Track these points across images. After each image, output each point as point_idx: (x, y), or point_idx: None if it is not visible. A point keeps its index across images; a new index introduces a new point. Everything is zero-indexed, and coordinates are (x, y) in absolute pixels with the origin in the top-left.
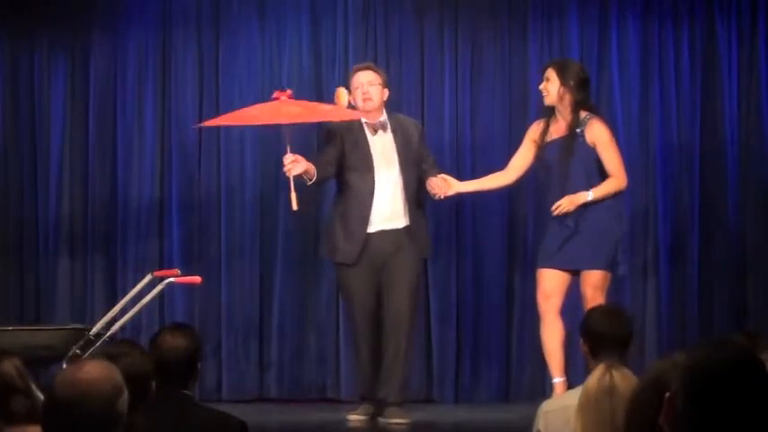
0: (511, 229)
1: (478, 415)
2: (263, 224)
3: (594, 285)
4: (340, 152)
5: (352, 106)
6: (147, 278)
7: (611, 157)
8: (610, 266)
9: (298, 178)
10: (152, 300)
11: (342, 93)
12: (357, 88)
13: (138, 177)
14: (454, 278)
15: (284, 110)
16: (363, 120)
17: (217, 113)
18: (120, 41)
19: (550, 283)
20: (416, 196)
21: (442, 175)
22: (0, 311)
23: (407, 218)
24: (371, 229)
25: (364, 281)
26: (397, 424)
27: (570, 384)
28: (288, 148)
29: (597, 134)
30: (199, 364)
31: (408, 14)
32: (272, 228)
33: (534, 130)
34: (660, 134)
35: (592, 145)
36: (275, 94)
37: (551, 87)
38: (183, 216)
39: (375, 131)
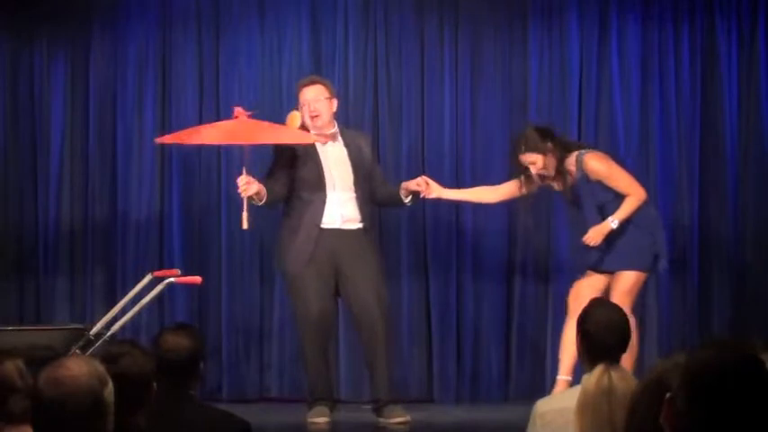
0: (511, 230)
1: (478, 415)
2: (263, 224)
3: (624, 289)
4: (290, 167)
5: (305, 128)
6: (147, 278)
7: (619, 181)
8: (645, 268)
9: (249, 199)
10: (152, 300)
11: (295, 117)
12: (303, 105)
13: (139, 177)
14: (454, 278)
15: (242, 130)
16: (313, 132)
17: (217, 114)
18: (120, 41)
19: (588, 287)
20: (371, 208)
21: (424, 177)
22: (0, 311)
23: (363, 223)
24: (326, 226)
25: (320, 282)
26: (396, 423)
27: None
28: (243, 170)
29: (596, 170)
30: (201, 364)
31: (408, 14)
32: (273, 227)
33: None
34: (660, 134)
35: (596, 181)
36: (235, 113)
37: (541, 165)
38: (183, 216)
39: (325, 142)
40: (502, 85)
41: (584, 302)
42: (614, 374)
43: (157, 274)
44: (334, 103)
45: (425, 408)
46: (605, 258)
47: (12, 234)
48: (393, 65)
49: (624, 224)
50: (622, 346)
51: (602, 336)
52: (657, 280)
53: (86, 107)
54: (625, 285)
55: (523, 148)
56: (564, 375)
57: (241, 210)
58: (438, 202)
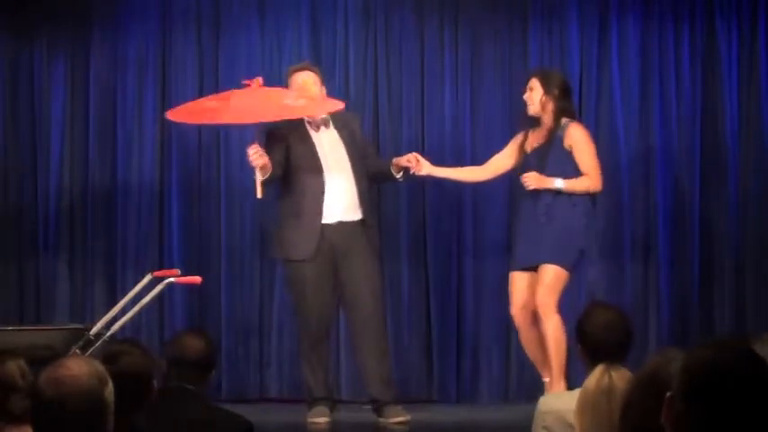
0: (511, 227)
1: (479, 415)
2: (263, 224)
3: (546, 283)
4: (285, 153)
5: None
6: (147, 278)
7: (585, 159)
8: (568, 266)
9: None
10: (152, 300)
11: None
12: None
13: (138, 177)
14: (455, 278)
15: (254, 107)
16: (306, 119)
17: None
18: (121, 41)
19: (520, 292)
20: (368, 190)
21: (415, 154)
22: (0, 311)
23: (362, 211)
24: (328, 220)
25: (320, 276)
26: (397, 423)
27: (570, 384)
28: (256, 140)
29: (574, 137)
30: (213, 370)
31: (408, 14)
32: (273, 227)
33: (520, 139)
34: (660, 134)
35: (569, 149)
36: (247, 82)
37: (535, 96)
38: (183, 216)
39: (318, 128)
40: (502, 85)
41: (529, 311)
42: (614, 374)
43: (157, 274)
44: (324, 89)
45: (425, 408)
46: (532, 254)
47: (12, 233)
48: (393, 66)
49: (552, 221)
50: (624, 346)
51: (602, 337)
52: (658, 277)
53: (86, 107)
54: (546, 280)
55: (540, 73)
56: (548, 378)
57: (253, 182)
58: (439, 204)
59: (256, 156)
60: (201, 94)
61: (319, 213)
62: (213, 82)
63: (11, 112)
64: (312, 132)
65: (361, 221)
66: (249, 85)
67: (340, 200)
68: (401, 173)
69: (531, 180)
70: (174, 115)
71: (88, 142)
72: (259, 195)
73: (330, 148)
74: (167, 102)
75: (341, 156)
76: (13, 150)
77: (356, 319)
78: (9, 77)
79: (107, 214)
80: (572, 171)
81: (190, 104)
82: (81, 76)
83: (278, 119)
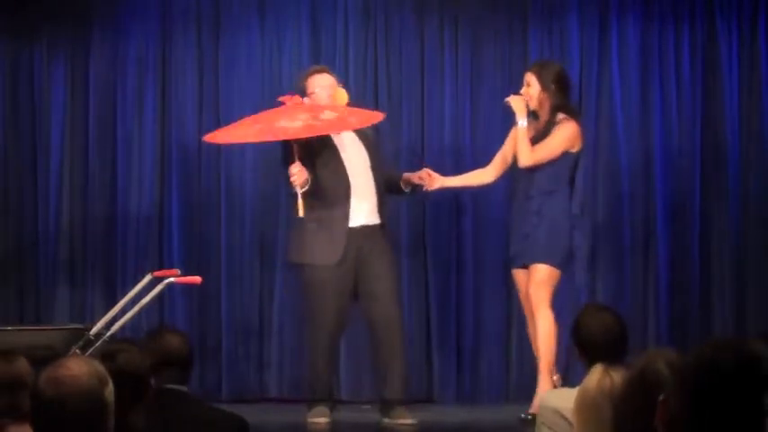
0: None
1: (479, 415)
2: (263, 224)
3: (537, 281)
4: (306, 156)
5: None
6: (147, 278)
7: (547, 141)
8: (558, 264)
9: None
10: (152, 300)
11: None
12: (313, 93)
13: (139, 177)
14: (454, 278)
15: (295, 120)
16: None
17: (217, 114)
18: (121, 42)
19: (523, 286)
20: (385, 196)
21: (426, 170)
22: (0, 312)
23: (380, 216)
24: (353, 223)
25: (343, 281)
26: (404, 425)
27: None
28: (296, 158)
29: (558, 130)
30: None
31: (408, 14)
32: (272, 227)
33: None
34: (660, 134)
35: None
36: (283, 100)
37: (532, 92)
38: (183, 216)
39: (339, 132)
40: (502, 85)
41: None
42: (615, 374)
43: (157, 274)
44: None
45: (425, 408)
46: (524, 254)
47: (12, 234)
48: (393, 66)
49: (543, 220)
50: (621, 347)
51: (598, 339)
52: (657, 277)
53: (86, 107)
54: (537, 277)
55: (536, 68)
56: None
57: (294, 199)
58: (438, 204)
59: (301, 174)
60: (202, 94)
61: (346, 217)
62: (213, 82)
63: (11, 113)
64: (333, 136)
65: (381, 225)
66: (285, 103)
67: (364, 203)
68: (409, 188)
69: (512, 98)
70: (212, 138)
71: (88, 142)
72: (301, 214)
73: (352, 150)
74: (167, 102)
75: (362, 158)
76: (14, 151)
77: (379, 321)
78: (9, 77)
79: (107, 214)
80: (561, 167)
81: (230, 128)
82: (81, 76)
83: (330, 132)
